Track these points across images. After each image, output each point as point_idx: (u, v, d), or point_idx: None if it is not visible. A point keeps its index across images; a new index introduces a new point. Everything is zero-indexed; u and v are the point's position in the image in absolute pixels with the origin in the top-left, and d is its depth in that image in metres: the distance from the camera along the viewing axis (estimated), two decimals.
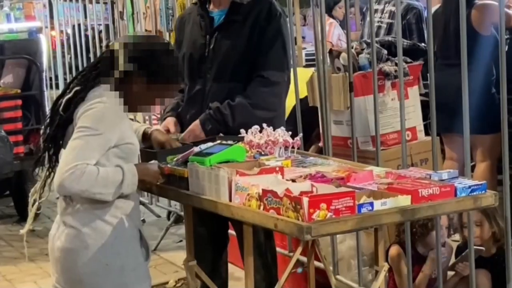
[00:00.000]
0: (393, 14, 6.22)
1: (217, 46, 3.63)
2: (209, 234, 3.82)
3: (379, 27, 6.45)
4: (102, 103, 2.86)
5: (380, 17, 6.48)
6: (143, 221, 5.93)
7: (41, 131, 3.11)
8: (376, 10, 6.36)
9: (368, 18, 5.96)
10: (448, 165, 5.25)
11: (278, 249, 4.85)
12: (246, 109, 3.58)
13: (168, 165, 3.10)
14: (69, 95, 2.95)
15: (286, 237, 4.81)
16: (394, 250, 4.30)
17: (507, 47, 5.21)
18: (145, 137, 3.34)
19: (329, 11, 9.20)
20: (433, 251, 4.09)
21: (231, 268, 5.01)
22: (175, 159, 3.14)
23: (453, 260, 4.34)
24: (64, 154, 2.82)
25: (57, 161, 2.98)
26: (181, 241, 6.00)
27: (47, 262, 5.42)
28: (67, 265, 2.94)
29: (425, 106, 4.71)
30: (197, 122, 3.60)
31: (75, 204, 2.92)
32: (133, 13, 7.52)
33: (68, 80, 8.13)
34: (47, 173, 3.02)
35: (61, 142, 2.97)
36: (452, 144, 5.41)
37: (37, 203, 3.07)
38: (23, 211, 6.74)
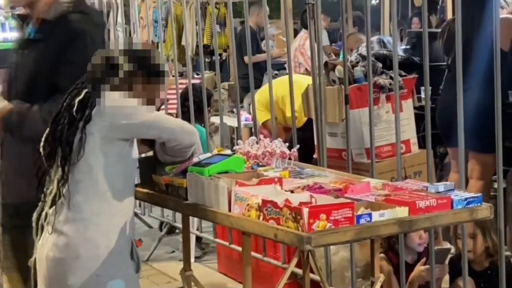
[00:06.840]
0: None
1: (21, 65, 3.40)
2: None
3: None
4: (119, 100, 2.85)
5: None
6: None
7: (46, 133, 2.95)
8: None
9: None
10: (455, 177, 5.26)
11: (271, 260, 4.90)
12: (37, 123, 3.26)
13: (167, 175, 3.12)
14: (80, 97, 2.87)
15: (280, 249, 4.82)
16: (383, 263, 4.28)
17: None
18: None
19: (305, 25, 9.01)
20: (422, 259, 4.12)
21: (223, 279, 5.04)
22: (173, 169, 3.15)
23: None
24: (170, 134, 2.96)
25: (69, 167, 2.85)
26: (173, 251, 6.01)
27: None
28: (57, 276, 2.87)
29: (420, 119, 4.74)
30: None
31: (67, 213, 2.86)
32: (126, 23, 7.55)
33: None
34: (59, 185, 2.87)
35: (71, 146, 2.85)
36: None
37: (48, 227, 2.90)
38: None
